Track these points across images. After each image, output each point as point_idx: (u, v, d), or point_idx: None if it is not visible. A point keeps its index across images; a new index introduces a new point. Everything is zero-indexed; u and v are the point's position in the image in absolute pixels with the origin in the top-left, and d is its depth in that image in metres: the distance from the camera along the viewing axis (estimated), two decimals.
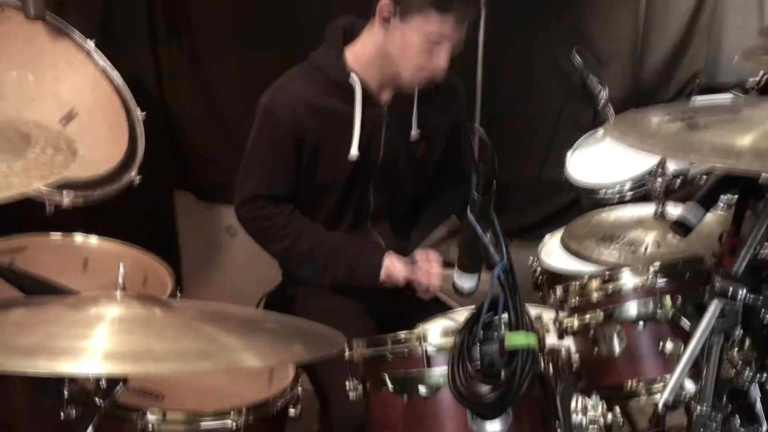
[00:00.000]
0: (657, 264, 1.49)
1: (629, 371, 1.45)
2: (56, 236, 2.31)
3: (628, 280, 1.48)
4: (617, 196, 2.57)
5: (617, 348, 1.46)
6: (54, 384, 1.55)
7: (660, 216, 1.97)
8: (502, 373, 1.21)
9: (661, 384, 1.43)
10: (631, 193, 2.54)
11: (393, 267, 2.17)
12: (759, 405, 1.33)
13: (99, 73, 2.62)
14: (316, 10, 3.20)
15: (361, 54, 2.17)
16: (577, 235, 1.97)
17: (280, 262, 2.38)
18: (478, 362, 1.25)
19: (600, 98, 2.74)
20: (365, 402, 1.43)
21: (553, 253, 2.43)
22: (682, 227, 1.58)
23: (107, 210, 2.45)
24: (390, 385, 1.34)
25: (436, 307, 2.21)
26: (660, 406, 1.14)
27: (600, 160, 2.71)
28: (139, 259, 2.35)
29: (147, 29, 3.38)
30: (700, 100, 2.25)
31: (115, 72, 2.62)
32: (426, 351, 1.32)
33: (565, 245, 1.94)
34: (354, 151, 2.15)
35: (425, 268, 2.19)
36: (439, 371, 1.31)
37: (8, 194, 1.12)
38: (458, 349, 1.24)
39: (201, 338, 1.09)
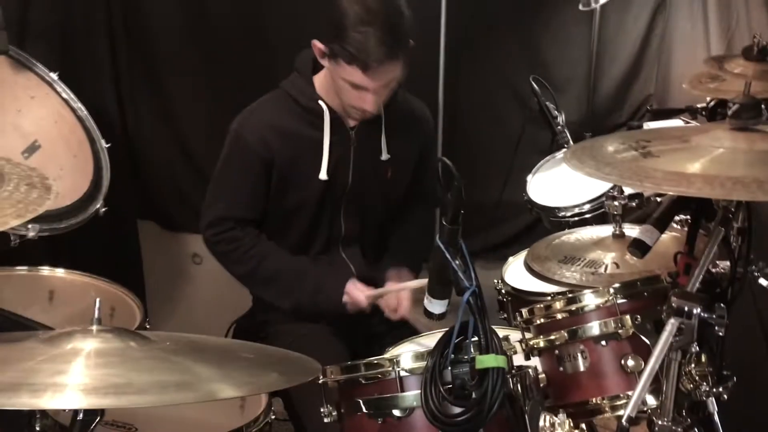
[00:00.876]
0: (617, 285, 1.55)
1: (593, 388, 1.50)
2: (21, 269, 2.30)
3: (590, 300, 1.54)
4: (576, 217, 2.66)
5: (581, 366, 1.51)
6: (25, 419, 1.55)
7: (617, 237, 2.03)
8: (473, 394, 1.26)
9: (624, 400, 1.48)
10: (590, 214, 2.63)
11: (355, 291, 2.20)
12: (716, 417, 1.39)
13: (62, 105, 2.62)
14: (279, 39, 3.25)
15: (325, 83, 2.22)
16: (539, 256, 2.02)
17: (245, 285, 2.40)
18: (450, 384, 1.29)
19: (557, 123, 2.85)
20: (340, 426, 1.46)
21: (516, 274, 2.49)
22: (639, 248, 1.64)
23: (70, 240, 2.44)
24: (364, 409, 1.37)
25: (405, 330, 2.25)
26: (623, 421, 1.19)
27: (559, 183, 2.80)
28: (105, 291, 2.36)
29: (108, 58, 3.39)
30: (651, 126, 2.34)
31: (78, 103, 2.63)
32: (399, 374, 1.35)
33: (528, 267, 2.00)
34: (323, 174, 2.19)
35: (396, 289, 2.23)
36: (411, 394, 1.35)
37: None
38: (430, 372, 1.28)
39: (179, 370, 1.11)
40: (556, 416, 1.35)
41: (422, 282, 2.19)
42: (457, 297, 2.21)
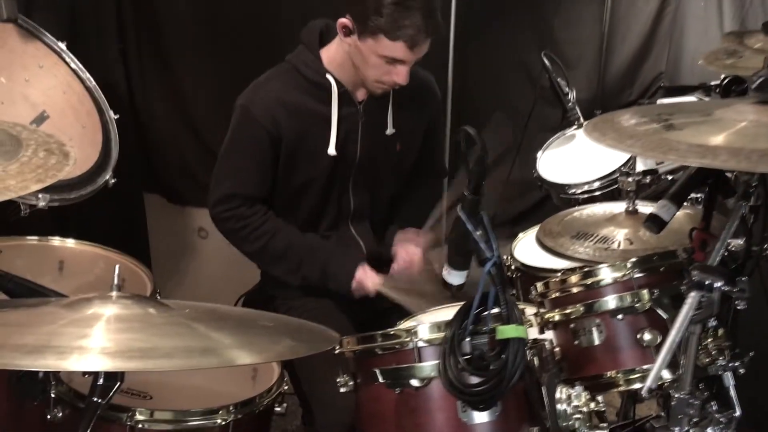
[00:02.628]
0: (634, 259, 1.54)
1: (609, 362, 1.50)
2: (32, 239, 2.29)
3: (607, 274, 1.54)
4: (586, 194, 2.66)
5: (596, 339, 1.51)
6: (40, 385, 1.56)
7: (631, 213, 2.03)
8: (492, 365, 1.26)
9: (639, 374, 1.48)
10: (600, 191, 2.63)
11: (366, 280, 2.20)
12: (732, 391, 1.39)
13: (71, 75, 2.60)
14: (285, 13, 3.23)
15: (335, 57, 2.19)
16: (551, 232, 2.02)
17: (254, 262, 2.40)
18: (468, 355, 1.29)
19: (568, 100, 2.83)
20: (355, 396, 1.46)
21: (526, 250, 2.49)
22: (655, 224, 1.64)
23: (77, 212, 2.44)
24: (381, 379, 1.38)
25: None
26: (644, 392, 1.20)
27: (569, 160, 2.79)
28: (116, 261, 2.34)
29: (116, 31, 3.36)
30: (664, 102, 2.32)
31: (87, 74, 2.61)
32: (417, 345, 1.35)
33: (541, 242, 2.00)
34: (331, 149, 2.18)
35: (408, 251, 2.23)
36: (429, 365, 1.35)
37: (6, 197, 1.12)
38: (449, 343, 1.28)
39: (200, 336, 1.11)
40: (572, 388, 1.35)
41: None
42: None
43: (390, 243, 2.33)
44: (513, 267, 2.44)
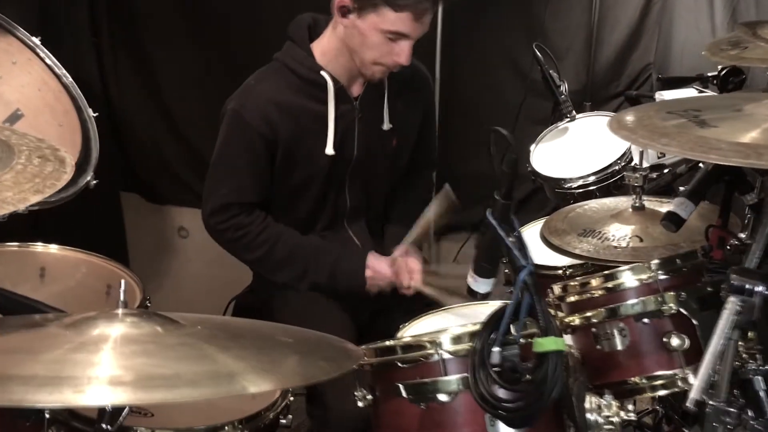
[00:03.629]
0: (656, 260, 1.49)
1: (633, 367, 1.45)
2: (12, 245, 2.18)
3: (630, 277, 1.48)
4: (581, 189, 2.61)
5: (620, 344, 1.46)
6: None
7: (637, 209, 1.98)
8: (525, 377, 1.20)
9: (665, 380, 1.43)
10: (596, 186, 2.58)
11: (378, 266, 2.13)
12: (764, 395, 1.35)
13: (46, 72, 2.48)
14: (269, 7, 3.14)
15: (329, 49, 2.11)
16: (557, 230, 1.97)
17: (257, 270, 2.31)
18: (498, 367, 1.23)
19: (561, 92, 2.78)
20: (374, 410, 1.39)
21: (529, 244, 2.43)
22: (673, 221, 1.60)
23: (50, 214, 2.32)
24: (405, 394, 1.30)
25: (414, 304, 2.19)
26: (689, 404, 1.14)
27: (563, 153, 2.74)
28: (100, 267, 2.25)
29: (88, 24, 3.25)
30: (665, 94, 2.28)
31: (63, 70, 2.49)
32: (442, 357, 1.28)
33: (546, 241, 1.94)
34: (329, 149, 2.10)
35: (406, 265, 2.16)
36: (456, 378, 1.28)
37: (4, 211, 1.03)
38: (478, 355, 1.22)
39: (221, 359, 1.02)
40: (602, 397, 1.29)
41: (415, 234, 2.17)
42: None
43: (389, 247, 2.26)
44: None
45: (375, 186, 2.28)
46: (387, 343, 1.40)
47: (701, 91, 2.33)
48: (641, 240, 1.87)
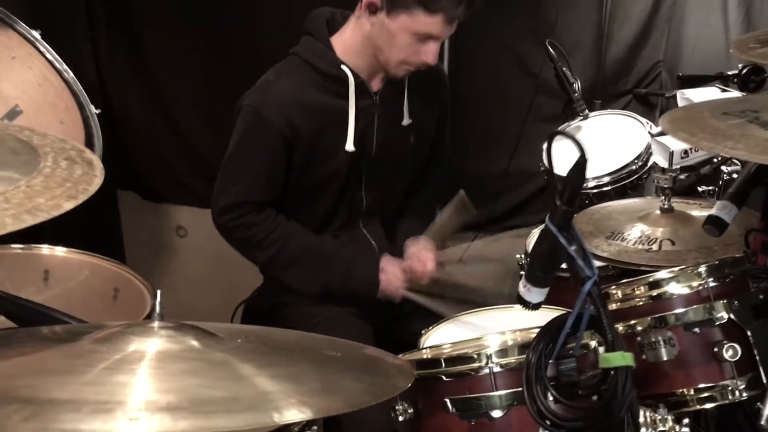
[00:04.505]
0: (704, 267, 1.43)
1: (682, 378, 1.39)
2: (16, 248, 2.09)
3: (678, 283, 1.42)
4: (596, 189, 2.55)
5: (667, 354, 1.40)
6: None
7: (666, 211, 1.93)
8: (585, 393, 1.14)
9: (715, 392, 1.38)
10: (612, 186, 2.53)
11: (392, 269, 2.08)
12: None
13: (47, 67, 2.39)
14: (267, 4, 3.06)
15: (350, 44, 2.05)
16: (583, 232, 1.91)
17: (264, 271, 2.24)
18: (553, 381, 1.17)
19: (574, 90, 2.73)
20: (416, 424, 1.32)
21: None
22: (716, 226, 1.55)
23: None
24: (452, 409, 1.24)
25: (428, 310, 2.14)
26: (764, 422, 1.09)
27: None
28: (105, 270, 2.17)
29: (85, 19, 3.15)
30: (687, 93, 2.23)
31: (64, 65, 2.40)
32: (493, 370, 1.22)
33: None
34: (350, 145, 2.04)
35: (418, 255, 2.11)
36: (508, 393, 1.22)
37: (39, 219, 0.95)
38: (534, 369, 1.16)
39: (274, 377, 0.94)
40: (656, 411, 1.24)
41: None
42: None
43: (401, 242, 2.21)
44: None
45: (391, 184, 2.23)
46: (428, 354, 1.33)
47: (724, 90, 2.28)
48: (673, 243, 1.82)
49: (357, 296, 2.08)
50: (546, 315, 1.89)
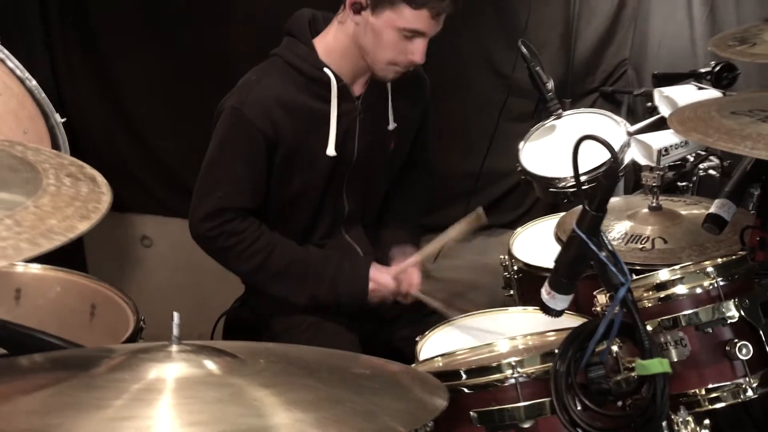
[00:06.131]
0: (711, 267, 1.44)
1: (694, 378, 1.39)
2: None
3: (687, 283, 1.42)
4: (572, 188, 2.55)
5: (679, 355, 1.40)
6: None
7: (654, 209, 1.94)
8: (614, 399, 1.13)
9: (726, 391, 1.38)
10: (588, 184, 2.53)
11: (381, 279, 2.04)
12: None
13: (8, 75, 2.27)
14: (226, 6, 3.00)
15: (333, 46, 2.01)
16: None
17: (247, 282, 2.18)
18: (583, 389, 1.15)
19: (548, 89, 2.73)
20: None
21: (525, 248, 2.38)
22: (716, 224, 1.56)
23: None
24: (478, 423, 1.21)
25: (416, 315, 2.12)
26: None
27: (552, 152, 2.69)
28: (81, 286, 2.07)
29: (40, 23, 3.03)
30: (666, 92, 2.25)
31: (26, 73, 2.29)
32: (519, 381, 1.20)
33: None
34: (331, 150, 2.00)
35: (406, 276, 2.08)
36: (536, 403, 1.19)
37: (56, 243, 0.88)
38: (564, 378, 1.13)
39: (313, 402, 0.90)
40: (677, 413, 1.23)
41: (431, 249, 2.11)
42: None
43: (387, 249, 2.17)
44: (515, 268, 2.33)
45: (372, 190, 2.20)
46: (441, 363, 1.30)
47: (701, 88, 2.31)
48: (665, 241, 1.83)
49: (344, 305, 2.04)
50: (536, 318, 1.92)
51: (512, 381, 1.20)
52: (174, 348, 1.04)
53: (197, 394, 0.95)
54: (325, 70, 1.98)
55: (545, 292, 1.18)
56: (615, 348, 1.21)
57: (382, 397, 0.94)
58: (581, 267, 1.15)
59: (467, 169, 3.09)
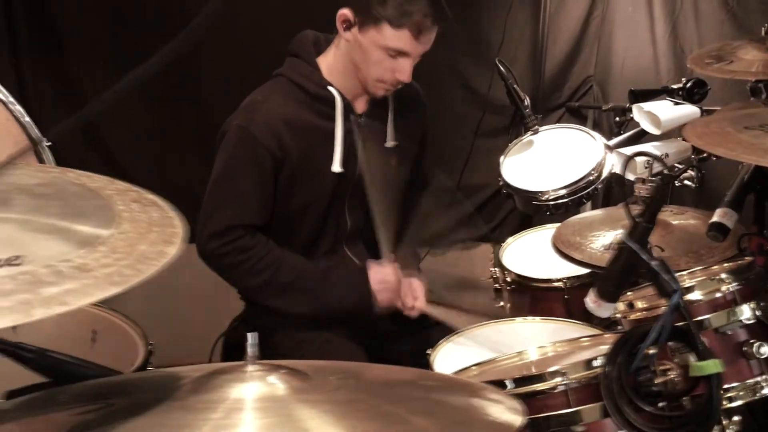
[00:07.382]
0: (725, 272, 1.52)
1: None
2: None
3: (702, 289, 1.50)
4: (554, 201, 2.65)
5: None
6: None
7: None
8: (665, 402, 1.19)
9: (742, 390, 1.45)
10: (569, 198, 2.63)
11: (380, 276, 2.08)
12: None
13: None
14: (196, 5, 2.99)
15: (334, 65, 2.06)
16: (572, 243, 1.99)
17: (254, 297, 2.18)
18: (633, 393, 1.21)
19: (525, 106, 2.82)
20: None
21: (516, 259, 2.45)
22: (719, 232, 1.65)
23: None
24: (530, 430, 1.25)
25: (420, 325, 2.16)
26: None
27: (532, 166, 2.77)
28: (80, 312, 1.97)
29: (7, 46, 2.97)
30: (646, 107, 2.36)
31: (10, 97, 2.24)
32: (569, 387, 1.25)
33: (566, 256, 1.95)
34: (336, 166, 2.03)
35: (410, 286, 2.12)
36: (587, 408, 1.24)
37: (153, 269, 0.89)
38: (617, 382, 1.19)
39: (404, 418, 0.93)
40: None
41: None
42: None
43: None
44: (508, 279, 2.40)
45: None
46: (476, 372, 1.34)
47: (677, 103, 2.43)
48: (662, 250, 1.92)
49: (354, 313, 2.07)
50: (539, 327, 1.98)
51: (563, 388, 1.25)
52: (249, 369, 1.05)
53: (296, 409, 0.96)
54: (330, 88, 2.03)
55: (591, 301, 1.23)
56: (653, 350, 1.28)
57: (468, 410, 0.97)
58: (630, 276, 1.22)
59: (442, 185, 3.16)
